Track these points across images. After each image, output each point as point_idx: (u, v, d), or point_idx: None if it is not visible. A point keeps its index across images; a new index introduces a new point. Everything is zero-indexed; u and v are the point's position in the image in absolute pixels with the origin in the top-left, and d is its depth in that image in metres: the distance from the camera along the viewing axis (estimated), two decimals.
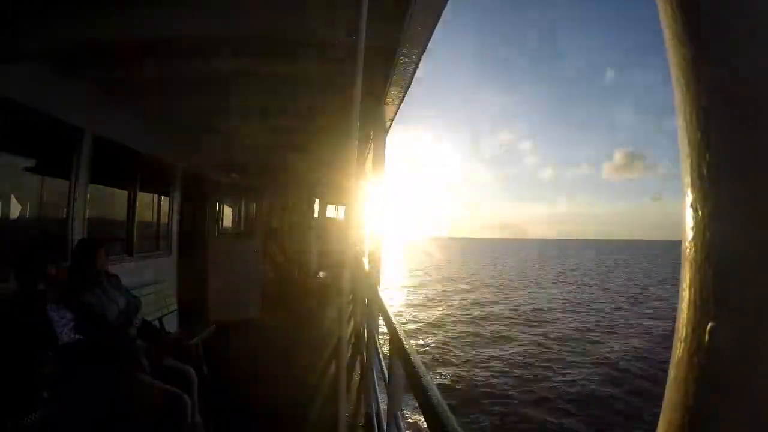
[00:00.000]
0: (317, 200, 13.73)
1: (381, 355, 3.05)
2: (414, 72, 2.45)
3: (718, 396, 0.30)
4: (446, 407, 0.92)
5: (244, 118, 4.19)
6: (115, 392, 2.44)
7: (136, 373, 2.54)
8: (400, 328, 1.71)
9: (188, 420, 2.54)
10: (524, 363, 12.72)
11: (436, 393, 0.99)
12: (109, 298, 2.77)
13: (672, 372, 0.34)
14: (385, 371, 2.35)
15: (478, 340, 15.44)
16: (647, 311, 21.59)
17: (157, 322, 3.98)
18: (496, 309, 21.50)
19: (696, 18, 0.32)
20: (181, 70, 2.94)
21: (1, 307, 2.33)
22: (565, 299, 25.67)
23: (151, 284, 4.47)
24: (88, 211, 3.54)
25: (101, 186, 3.88)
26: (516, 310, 21.39)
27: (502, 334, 16.37)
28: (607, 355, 13.35)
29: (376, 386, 3.14)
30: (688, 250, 0.33)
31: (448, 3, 1.75)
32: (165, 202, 5.30)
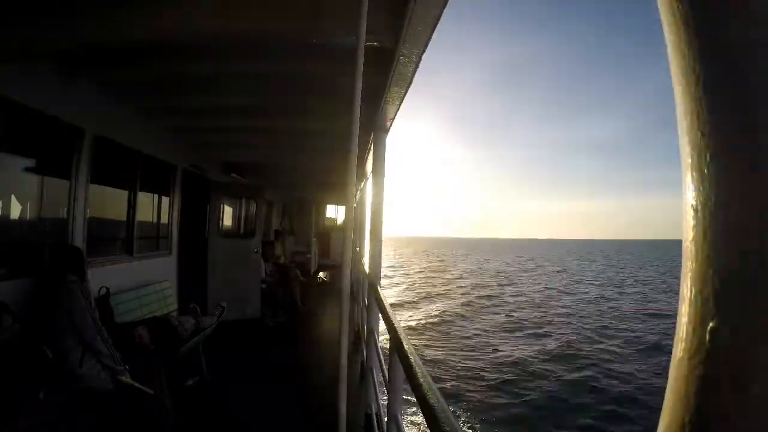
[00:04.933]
0: (317, 200, 13.74)
1: (381, 355, 3.05)
2: (414, 72, 2.45)
3: (719, 396, 0.30)
4: (446, 407, 0.92)
5: (244, 118, 4.19)
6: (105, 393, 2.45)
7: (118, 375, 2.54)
8: (400, 328, 1.71)
9: (167, 422, 2.55)
10: None
11: (436, 392, 0.99)
12: None
13: (672, 372, 0.34)
14: (385, 371, 2.35)
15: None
16: None
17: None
18: None
19: (696, 17, 0.32)
20: (181, 70, 2.94)
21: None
22: None
23: (151, 284, 4.47)
24: (88, 211, 3.55)
25: (102, 186, 3.89)
26: None
27: None
28: None
29: (376, 386, 3.13)
30: (688, 249, 0.33)
31: (449, 3, 1.75)
32: (165, 202, 5.30)
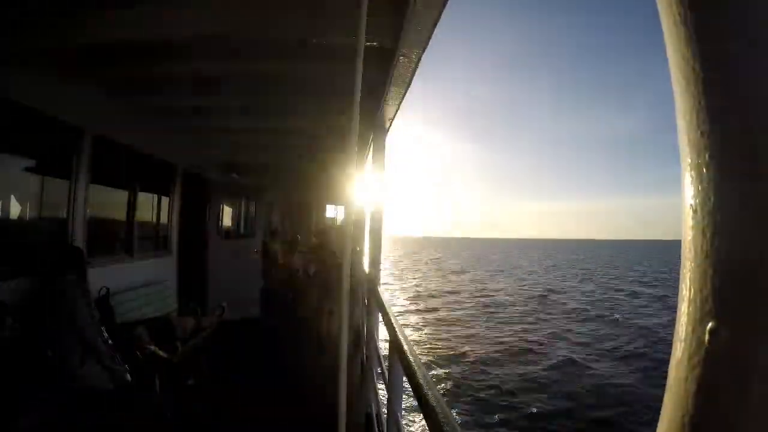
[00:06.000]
0: (317, 200, 13.72)
1: (381, 355, 3.05)
2: (414, 72, 2.45)
3: (718, 396, 0.30)
4: (446, 406, 0.92)
5: (244, 118, 4.18)
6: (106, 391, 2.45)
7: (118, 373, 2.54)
8: (400, 328, 1.71)
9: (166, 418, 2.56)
10: None
11: (435, 392, 0.99)
12: None
13: (672, 372, 0.34)
14: (385, 371, 2.35)
15: None
16: None
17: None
18: None
19: (696, 18, 0.32)
20: (180, 70, 2.94)
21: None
22: None
23: (151, 284, 4.47)
24: (88, 211, 3.54)
25: (102, 186, 3.88)
26: None
27: None
28: None
29: (376, 386, 3.13)
30: (688, 249, 0.33)
31: (449, 3, 1.75)
32: (165, 202, 5.30)
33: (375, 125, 3.49)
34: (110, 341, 2.59)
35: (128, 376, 2.56)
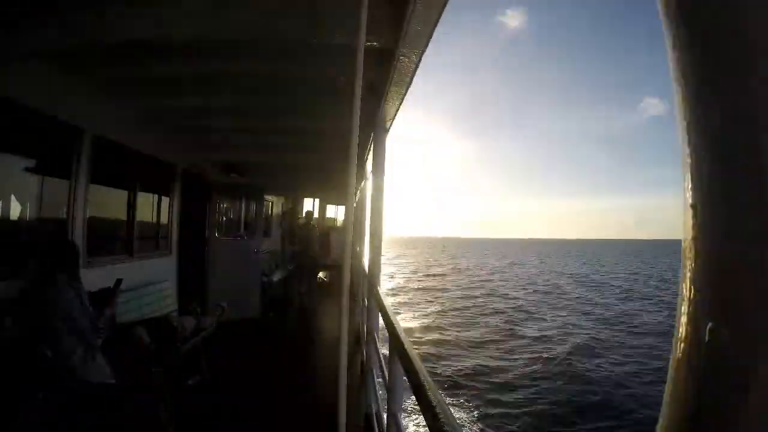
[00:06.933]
0: (317, 200, 13.74)
1: (381, 355, 3.05)
2: (414, 72, 2.45)
3: (718, 395, 0.30)
4: (446, 407, 0.92)
5: (244, 118, 4.18)
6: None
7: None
8: (400, 328, 1.71)
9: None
10: None
11: (436, 393, 0.99)
12: None
13: (672, 372, 0.34)
14: (385, 371, 2.35)
15: None
16: None
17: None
18: None
19: (696, 18, 0.32)
20: (180, 69, 2.94)
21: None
22: None
23: (151, 284, 4.47)
24: (88, 211, 3.54)
25: (102, 186, 3.88)
26: None
27: None
28: None
29: (376, 386, 3.13)
30: (688, 249, 0.33)
31: (449, 3, 1.75)
32: (165, 202, 5.30)
33: (375, 125, 3.49)
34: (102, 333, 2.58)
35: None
